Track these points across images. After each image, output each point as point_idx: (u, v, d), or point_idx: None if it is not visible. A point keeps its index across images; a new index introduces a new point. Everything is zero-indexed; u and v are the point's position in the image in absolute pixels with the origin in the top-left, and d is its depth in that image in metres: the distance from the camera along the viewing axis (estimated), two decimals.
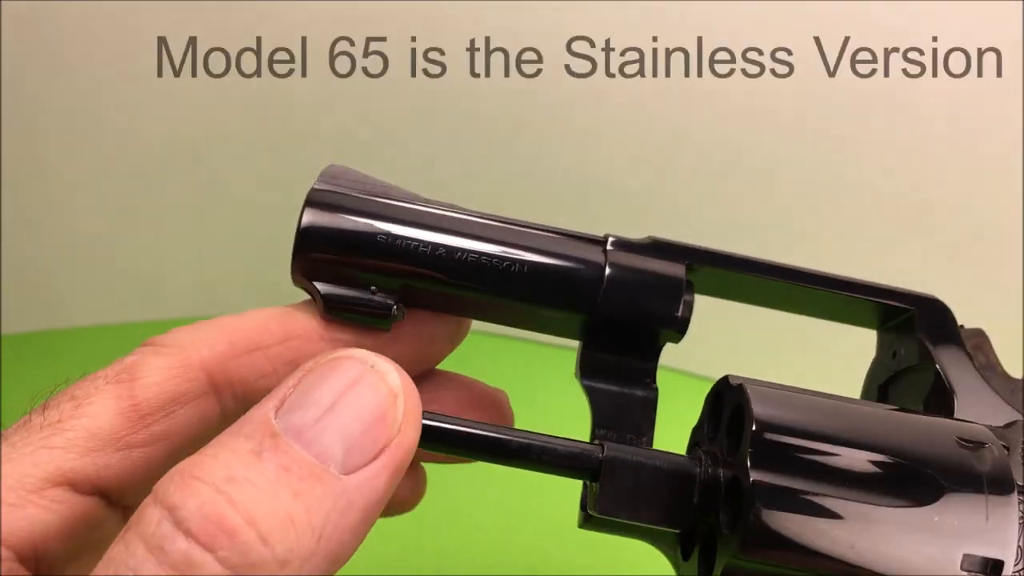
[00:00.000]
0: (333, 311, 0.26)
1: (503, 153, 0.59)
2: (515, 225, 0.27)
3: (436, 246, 0.26)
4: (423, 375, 0.30)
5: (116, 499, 0.24)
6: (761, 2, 0.52)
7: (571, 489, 0.28)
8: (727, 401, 0.26)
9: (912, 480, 0.24)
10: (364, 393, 0.22)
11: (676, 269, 0.27)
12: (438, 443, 0.25)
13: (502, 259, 0.26)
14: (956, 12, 0.50)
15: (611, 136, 0.57)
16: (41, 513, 0.22)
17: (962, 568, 0.23)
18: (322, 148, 0.59)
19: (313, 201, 0.26)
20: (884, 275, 0.31)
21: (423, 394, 0.28)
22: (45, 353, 0.61)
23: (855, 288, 0.29)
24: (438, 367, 0.30)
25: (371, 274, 0.26)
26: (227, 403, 0.26)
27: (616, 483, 0.25)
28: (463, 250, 0.26)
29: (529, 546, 0.47)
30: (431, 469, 0.32)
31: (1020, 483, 0.25)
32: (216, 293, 0.65)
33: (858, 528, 0.23)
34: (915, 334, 0.29)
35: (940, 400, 0.28)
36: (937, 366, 0.28)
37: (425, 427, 0.23)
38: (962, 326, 0.30)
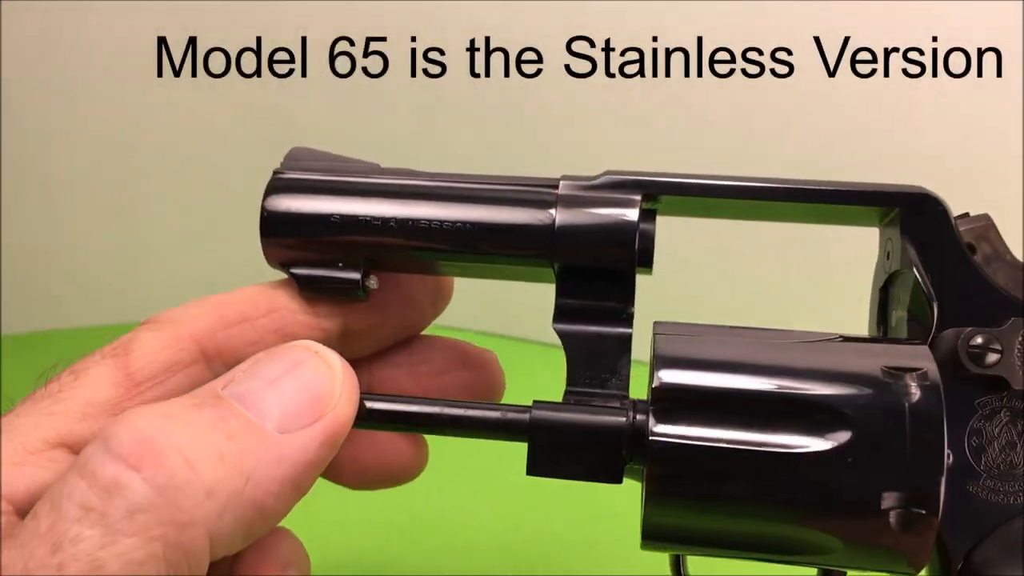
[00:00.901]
0: (307, 289, 0.28)
1: (503, 153, 0.59)
2: (466, 183, 0.28)
3: (387, 219, 0.27)
4: (411, 340, 0.31)
5: None
6: (761, 2, 0.52)
7: (573, 488, 0.28)
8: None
9: (824, 422, 0.24)
10: (306, 372, 0.24)
11: (629, 207, 0.27)
12: (377, 421, 0.26)
13: (453, 222, 0.27)
14: (956, 12, 0.50)
15: (611, 136, 0.57)
16: (40, 472, 0.24)
17: (883, 506, 0.23)
18: (322, 148, 0.59)
19: (272, 188, 0.28)
20: None
21: (412, 356, 0.31)
22: (45, 353, 0.61)
23: (829, 196, 0.28)
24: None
25: (333, 251, 0.28)
26: (218, 370, 0.27)
27: (544, 444, 0.26)
28: (414, 219, 0.27)
29: (529, 547, 0.47)
30: (432, 469, 0.32)
31: (1019, 387, 0.25)
32: (216, 292, 0.65)
33: (766, 476, 0.23)
34: (900, 235, 0.28)
35: (920, 308, 0.27)
36: (915, 271, 0.27)
37: (364, 407, 0.25)
38: (966, 214, 0.28)
